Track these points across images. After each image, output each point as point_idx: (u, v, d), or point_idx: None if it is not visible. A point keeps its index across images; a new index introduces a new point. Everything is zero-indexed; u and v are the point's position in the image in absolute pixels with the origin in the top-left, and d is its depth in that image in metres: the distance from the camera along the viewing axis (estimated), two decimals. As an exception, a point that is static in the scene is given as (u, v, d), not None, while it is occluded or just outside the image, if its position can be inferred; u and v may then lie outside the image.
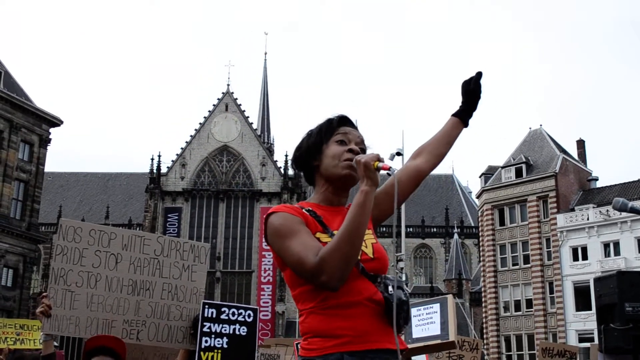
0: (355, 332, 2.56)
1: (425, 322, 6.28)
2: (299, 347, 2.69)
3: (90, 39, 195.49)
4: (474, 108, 3.17)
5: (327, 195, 2.87)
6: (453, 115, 3.18)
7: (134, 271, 5.25)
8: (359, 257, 2.62)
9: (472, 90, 3.12)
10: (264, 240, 2.78)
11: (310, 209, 2.77)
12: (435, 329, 6.18)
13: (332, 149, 2.84)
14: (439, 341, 6.11)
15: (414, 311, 6.42)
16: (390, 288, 2.65)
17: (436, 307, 6.30)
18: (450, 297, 6.60)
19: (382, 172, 2.57)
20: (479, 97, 3.16)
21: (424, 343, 6.19)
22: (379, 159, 2.55)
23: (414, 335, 6.24)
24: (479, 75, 3.13)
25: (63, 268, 5.04)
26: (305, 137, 2.97)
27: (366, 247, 2.73)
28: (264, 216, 2.76)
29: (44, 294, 5.07)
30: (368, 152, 2.88)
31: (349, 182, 2.83)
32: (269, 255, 73.69)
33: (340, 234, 2.47)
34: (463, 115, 3.16)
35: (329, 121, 2.94)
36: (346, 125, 2.93)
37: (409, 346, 6.19)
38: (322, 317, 2.60)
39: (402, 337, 6.43)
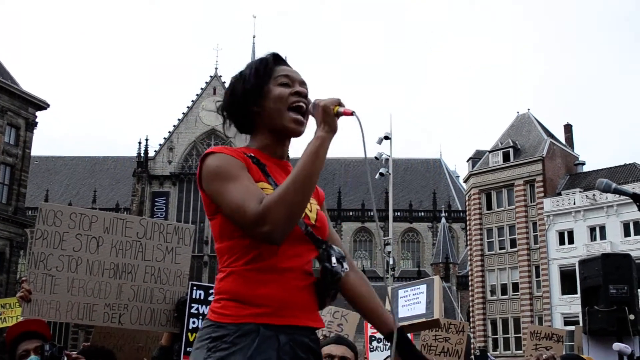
0: (278, 304, 2.28)
1: (412, 302, 6.32)
2: (210, 308, 2.37)
3: (76, 22, 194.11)
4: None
5: (268, 144, 2.55)
6: (391, 334, 2.62)
7: (115, 254, 5.19)
8: (301, 219, 2.35)
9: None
10: (199, 189, 2.44)
11: (253, 155, 2.46)
12: (420, 309, 6.21)
13: (275, 92, 2.50)
14: (423, 319, 6.15)
15: (400, 292, 6.47)
16: (333, 259, 2.34)
17: (423, 287, 6.33)
18: (437, 277, 6.64)
19: (344, 118, 2.33)
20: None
21: (409, 322, 6.24)
22: (340, 104, 2.32)
23: (400, 315, 6.29)
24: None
25: (43, 252, 4.97)
26: (237, 80, 2.59)
27: (310, 210, 2.47)
28: (201, 157, 2.43)
29: (24, 278, 5.02)
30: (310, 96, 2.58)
31: (292, 134, 2.53)
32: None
33: (289, 180, 2.21)
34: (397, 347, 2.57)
35: (264, 61, 2.57)
36: (284, 64, 2.61)
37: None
38: (245, 280, 2.30)
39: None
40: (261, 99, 2.52)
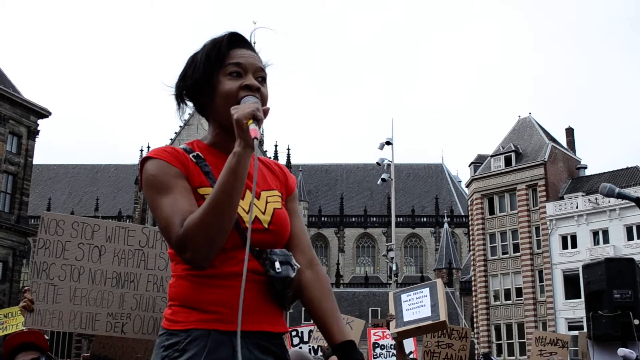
0: (229, 309, 2.15)
1: (416, 306, 6.33)
2: (164, 315, 2.28)
3: (78, 31, 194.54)
4: None
5: (219, 139, 2.37)
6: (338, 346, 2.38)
7: (118, 263, 5.16)
8: (250, 226, 2.09)
9: None
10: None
11: (199, 154, 2.31)
12: (425, 312, 6.23)
13: (223, 86, 2.29)
14: (430, 322, 6.16)
15: (403, 297, 6.49)
16: (277, 264, 2.22)
17: (426, 291, 6.35)
18: (439, 280, 6.66)
19: None
20: None
21: (415, 325, 6.25)
22: (255, 116, 2.08)
23: (405, 319, 6.30)
24: None
25: (45, 262, 4.96)
26: (189, 64, 2.38)
27: (263, 212, 2.30)
28: (141, 160, 2.29)
29: (26, 288, 5.00)
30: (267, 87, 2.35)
31: None
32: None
33: (206, 204, 2.06)
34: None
35: (217, 45, 2.33)
36: (239, 47, 2.35)
37: (401, 329, 6.24)
38: (192, 285, 2.21)
39: (390, 324, 6.48)
40: (210, 90, 2.34)
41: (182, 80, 2.39)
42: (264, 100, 2.31)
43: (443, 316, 6.11)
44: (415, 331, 6.45)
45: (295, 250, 2.43)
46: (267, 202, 2.35)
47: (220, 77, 2.31)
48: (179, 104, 2.44)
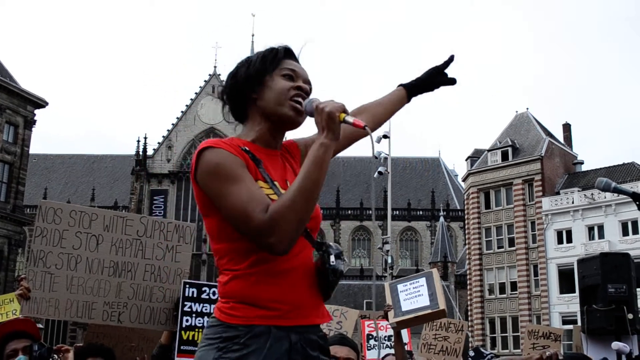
0: (288, 306, 2.26)
1: (413, 295, 6.31)
2: (217, 307, 2.34)
3: (75, 20, 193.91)
4: (427, 91, 2.94)
5: (263, 134, 2.46)
6: (402, 85, 2.92)
7: (115, 252, 5.16)
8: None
9: (437, 81, 2.91)
10: (192, 182, 2.37)
11: (248, 149, 2.36)
12: (424, 301, 6.21)
13: (277, 83, 2.43)
14: (429, 311, 6.15)
15: (400, 287, 6.47)
16: (332, 258, 2.33)
17: (422, 280, 6.33)
18: (434, 270, 6.66)
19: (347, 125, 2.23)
20: (437, 87, 2.94)
21: (414, 314, 6.22)
22: (345, 110, 2.21)
23: (404, 309, 6.28)
24: (449, 61, 2.91)
25: (42, 250, 4.95)
26: (243, 64, 2.52)
27: None
28: (197, 150, 2.31)
29: (22, 276, 5.00)
30: (313, 96, 2.48)
31: (290, 125, 2.46)
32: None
33: (295, 190, 2.14)
34: (413, 91, 2.90)
35: (274, 51, 2.50)
36: (293, 60, 2.53)
37: (400, 319, 6.24)
38: (251, 283, 2.26)
39: (388, 314, 6.48)
40: (261, 86, 2.45)
41: (233, 78, 2.52)
42: None
43: (442, 305, 6.11)
44: (415, 320, 6.43)
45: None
46: None
47: (274, 75, 2.45)
48: (224, 103, 2.58)
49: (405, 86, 2.91)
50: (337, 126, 2.19)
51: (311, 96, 2.47)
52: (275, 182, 2.34)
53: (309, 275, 2.35)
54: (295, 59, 2.55)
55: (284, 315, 2.25)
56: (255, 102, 2.47)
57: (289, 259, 2.26)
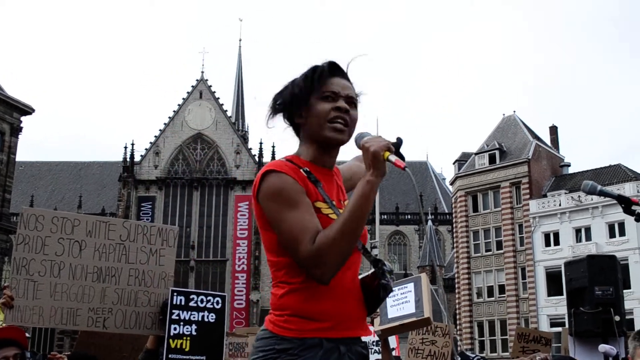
0: (338, 318, 2.40)
1: (400, 302, 6.23)
2: (270, 320, 2.46)
3: (62, 28, 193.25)
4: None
5: (318, 154, 2.58)
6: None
7: (99, 258, 5.12)
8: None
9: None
10: (253, 199, 2.49)
11: (308, 170, 2.49)
12: (410, 308, 6.12)
13: (317, 107, 2.53)
14: (414, 319, 6.07)
15: None
16: (387, 275, 2.48)
17: (410, 286, 6.24)
18: (423, 275, 6.55)
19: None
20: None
21: (399, 322, 6.15)
22: (390, 149, 2.32)
23: (389, 316, 6.21)
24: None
25: (25, 257, 4.90)
26: (288, 87, 2.62)
27: None
28: (262, 171, 2.46)
29: (6, 284, 4.95)
30: (358, 115, 2.60)
31: (336, 145, 2.59)
32: (244, 243, 73.66)
33: (340, 225, 2.26)
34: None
35: (316, 71, 2.58)
36: (335, 75, 2.60)
37: (385, 327, 6.17)
38: (307, 296, 2.39)
39: (374, 321, 6.42)
40: (304, 111, 2.56)
41: (281, 103, 2.61)
42: (353, 122, 2.57)
43: (427, 313, 6.02)
44: (400, 328, 6.37)
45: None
46: None
47: (315, 98, 2.54)
48: (272, 114, 2.64)
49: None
50: (381, 164, 2.30)
51: (364, 130, 2.52)
52: (333, 202, 2.50)
53: (357, 289, 2.49)
54: (340, 73, 2.61)
55: (334, 327, 2.39)
56: (303, 125, 2.59)
57: (342, 272, 2.39)
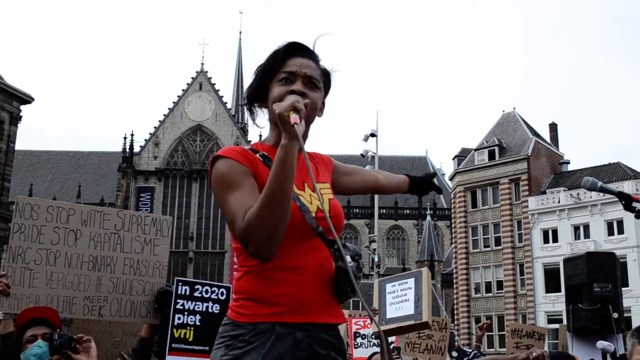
0: (293, 302, 2.30)
1: (400, 300, 6.07)
2: (230, 306, 2.42)
3: (62, 17, 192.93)
4: (421, 192, 3.24)
5: (278, 139, 2.35)
6: (408, 176, 3.22)
7: (94, 247, 5.15)
8: (314, 215, 2.38)
9: (427, 188, 3.21)
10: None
11: (265, 153, 2.44)
12: (409, 308, 5.95)
13: (274, 91, 2.46)
14: (412, 322, 5.92)
15: (388, 287, 6.21)
16: (348, 258, 2.35)
17: (410, 282, 6.06)
18: (425, 270, 6.38)
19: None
20: (429, 192, 3.23)
21: (397, 324, 6.01)
22: (295, 107, 2.18)
23: (388, 316, 6.07)
24: (434, 175, 3.27)
25: (21, 246, 4.92)
26: (254, 75, 2.57)
27: (322, 202, 2.37)
28: (211, 158, 2.44)
29: (3, 273, 4.95)
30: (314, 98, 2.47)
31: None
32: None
33: (262, 197, 2.16)
34: (414, 185, 3.19)
35: (274, 55, 2.51)
36: (297, 55, 2.50)
37: (384, 328, 6.03)
38: (261, 279, 2.31)
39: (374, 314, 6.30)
40: (265, 97, 2.52)
41: (250, 89, 2.58)
42: (313, 103, 2.45)
43: (425, 316, 5.84)
44: (397, 330, 6.24)
45: (377, 175, 3.04)
46: (321, 195, 2.47)
47: (274, 84, 2.48)
48: (250, 110, 2.61)
49: (411, 178, 3.19)
50: (289, 125, 2.15)
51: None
52: None
53: (323, 274, 2.38)
54: (302, 53, 2.52)
55: (289, 312, 2.29)
56: (268, 112, 2.55)
57: (298, 256, 2.33)
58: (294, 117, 2.14)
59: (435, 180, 3.25)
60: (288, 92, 2.39)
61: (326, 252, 2.40)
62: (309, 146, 2.45)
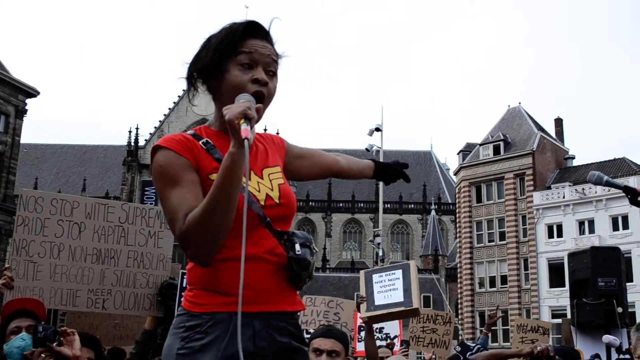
0: (250, 291, 2.19)
1: (388, 289, 6.07)
2: (184, 296, 2.34)
3: (67, 10, 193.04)
4: (386, 178, 3.09)
5: (225, 126, 2.22)
6: (373, 161, 3.05)
7: (98, 240, 5.16)
8: (263, 203, 2.28)
9: (393, 176, 3.08)
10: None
11: (209, 140, 2.33)
12: (398, 296, 5.97)
13: (233, 76, 2.31)
14: (402, 308, 5.93)
15: (375, 277, 6.21)
16: (297, 247, 2.30)
17: (398, 273, 6.10)
18: (412, 262, 6.40)
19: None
20: (395, 179, 3.10)
21: (387, 310, 6.02)
22: (246, 115, 2.05)
23: (377, 303, 6.08)
24: (405, 166, 3.13)
25: (25, 239, 4.93)
26: (203, 47, 2.40)
27: (272, 189, 2.35)
28: (152, 148, 2.31)
29: (7, 266, 4.96)
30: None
31: None
32: (247, 229, 73.86)
33: (205, 203, 2.08)
34: (378, 170, 3.04)
35: (232, 32, 2.34)
36: (255, 37, 2.36)
37: (372, 314, 6.04)
38: (212, 270, 2.22)
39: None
40: (219, 78, 2.36)
41: (195, 62, 2.41)
42: (269, 94, 2.36)
43: (416, 303, 5.87)
44: (387, 316, 6.23)
45: (333, 158, 2.86)
46: (271, 180, 2.39)
47: (230, 65, 2.32)
48: (189, 86, 2.46)
49: (376, 163, 3.04)
50: (239, 135, 2.03)
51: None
52: None
53: (274, 263, 2.29)
54: (260, 34, 2.38)
55: (246, 301, 2.16)
56: (217, 91, 2.39)
57: (249, 245, 2.17)
58: (244, 130, 2.02)
59: (405, 171, 3.07)
60: (251, 80, 2.30)
61: (275, 240, 2.32)
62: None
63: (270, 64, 2.37)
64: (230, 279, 2.20)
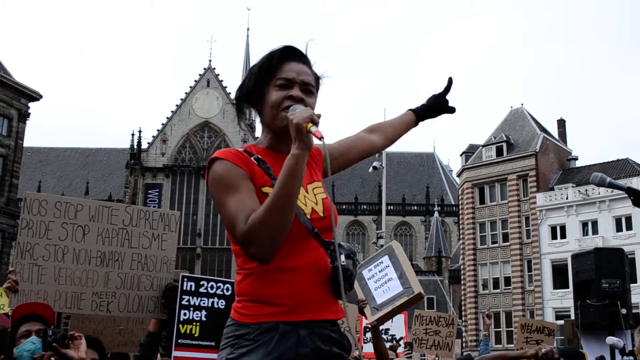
0: (295, 301, 2.38)
1: (383, 282, 5.83)
2: (233, 307, 2.50)
3: (70, 14, 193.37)
4: (431, 117, 3.11)
5: (273, 142, 2.58)
6: (412, 110, 3.08)
7: (102, 242, 5.16)
8: (309, 217, 2.45)
9: (441, 106, 3.09)
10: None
11: (259, 157, 2.51)
12: (396, 286, 5.72)
13: (271, 96, 2.52)
14: (405, 298, 5.70)
15: (365, 274, 5.91)
16: (342, 257, 2.45)
17: (385, 260, 5.79)
18: (394, 242, 6.14)
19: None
20: (440, 114, 3.12)
21: (391, 306, 5.80)
22: (313, 120, 2.24)
23: (379, 301, 5.85)
24: (449, 85, 3.10)
25: (29, 242, 4.93)
26: (247, 76, 2.62)
27: (316, 203, 2.53)
28: (209, 160, 2.49)
29: (11, 269, 4.97)
30: (310, 107, 2.48)
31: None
32: (250, 232, 73.91)
33: (269, 201, 2.23)
34: (420, 116, 3.08)
35: (270, 57, 2.56)
36: (292, 60, 2.57)
37: (379, 315, 5.85)
38: (261, 281, 2.39)
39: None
40: (260, 101, 2.56)
41: (241, 89, 2.63)
42: (312, 109, 2.49)
43: (416, 288, 5.63)
44: (394, 312, 6.03)
45: (372, 132, 2.97)
46: (315, 194, 2.56)
47: (270, 88, 2.52)
48: (237, 110, 2.69)
49: (415, 111, 3.07)
50: (305, 136, 2.22)
51: (301, 106, 2.45)
52: None
53: (320, 273, 2.44)
54: (297, 57, 2.58)
55: (292, 310, 2.37)
56: (261, 115, 2.60)
57: (295, 258, 2.39)
58: (317, 131, 2.22)
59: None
60: (286, 97, 2.48)
61: (321, 252, 2.47)
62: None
63: (307, 84, 2.55)
64: (278, 290, 2.37)
